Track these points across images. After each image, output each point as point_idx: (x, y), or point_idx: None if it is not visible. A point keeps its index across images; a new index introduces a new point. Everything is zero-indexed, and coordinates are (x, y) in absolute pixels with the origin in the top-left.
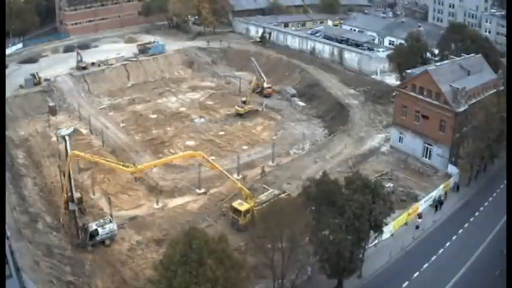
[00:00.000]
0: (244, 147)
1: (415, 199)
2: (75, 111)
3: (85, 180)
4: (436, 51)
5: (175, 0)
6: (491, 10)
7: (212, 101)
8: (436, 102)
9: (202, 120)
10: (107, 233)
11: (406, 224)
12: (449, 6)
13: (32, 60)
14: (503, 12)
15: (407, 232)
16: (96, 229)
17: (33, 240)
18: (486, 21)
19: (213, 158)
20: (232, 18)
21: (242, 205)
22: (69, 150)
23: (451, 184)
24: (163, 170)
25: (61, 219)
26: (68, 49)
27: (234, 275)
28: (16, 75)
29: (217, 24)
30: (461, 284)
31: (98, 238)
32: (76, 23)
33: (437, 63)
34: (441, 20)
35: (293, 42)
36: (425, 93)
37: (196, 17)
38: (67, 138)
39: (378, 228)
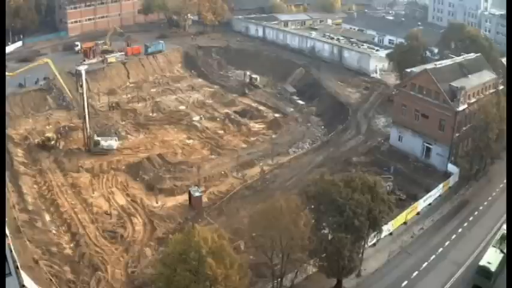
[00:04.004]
0: (243, 145)
1: (414, 198)
2: (74, 109)
3: None
4: (436, 51)
5: None
6: (491, 9)
7: (211, 100)
8: (435, 102)
9: (202, 118)
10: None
11: (405, 223)
12: (449, 5)
13: (31, 58)
14: (503, 12)
15: (407, 231)
16: (99, 140)
17: (32, 239)
18: (486, 21)
19: (212, 156)
20: (232, 16)
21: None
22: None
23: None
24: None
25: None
26: (68, 47)
27: (233, 274)
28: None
29: (217, 22)
30: (460, 283)
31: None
32: (76, 21)
33: (437, 63)
34: (441, 19)
35: (292, 41)
36: (424, 92)
37: (196, 16)
38: (83, 72)
39: (377, 227)
